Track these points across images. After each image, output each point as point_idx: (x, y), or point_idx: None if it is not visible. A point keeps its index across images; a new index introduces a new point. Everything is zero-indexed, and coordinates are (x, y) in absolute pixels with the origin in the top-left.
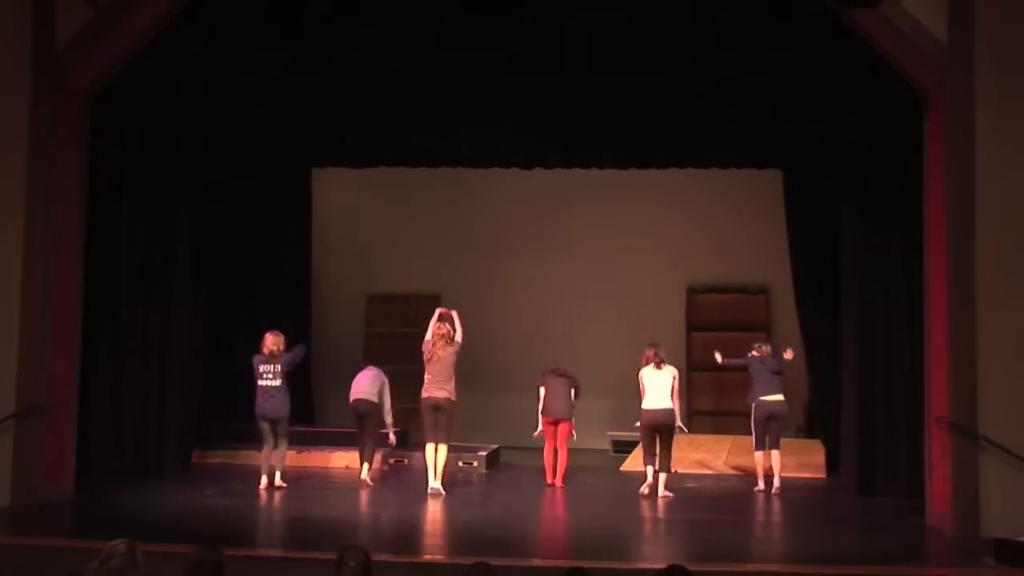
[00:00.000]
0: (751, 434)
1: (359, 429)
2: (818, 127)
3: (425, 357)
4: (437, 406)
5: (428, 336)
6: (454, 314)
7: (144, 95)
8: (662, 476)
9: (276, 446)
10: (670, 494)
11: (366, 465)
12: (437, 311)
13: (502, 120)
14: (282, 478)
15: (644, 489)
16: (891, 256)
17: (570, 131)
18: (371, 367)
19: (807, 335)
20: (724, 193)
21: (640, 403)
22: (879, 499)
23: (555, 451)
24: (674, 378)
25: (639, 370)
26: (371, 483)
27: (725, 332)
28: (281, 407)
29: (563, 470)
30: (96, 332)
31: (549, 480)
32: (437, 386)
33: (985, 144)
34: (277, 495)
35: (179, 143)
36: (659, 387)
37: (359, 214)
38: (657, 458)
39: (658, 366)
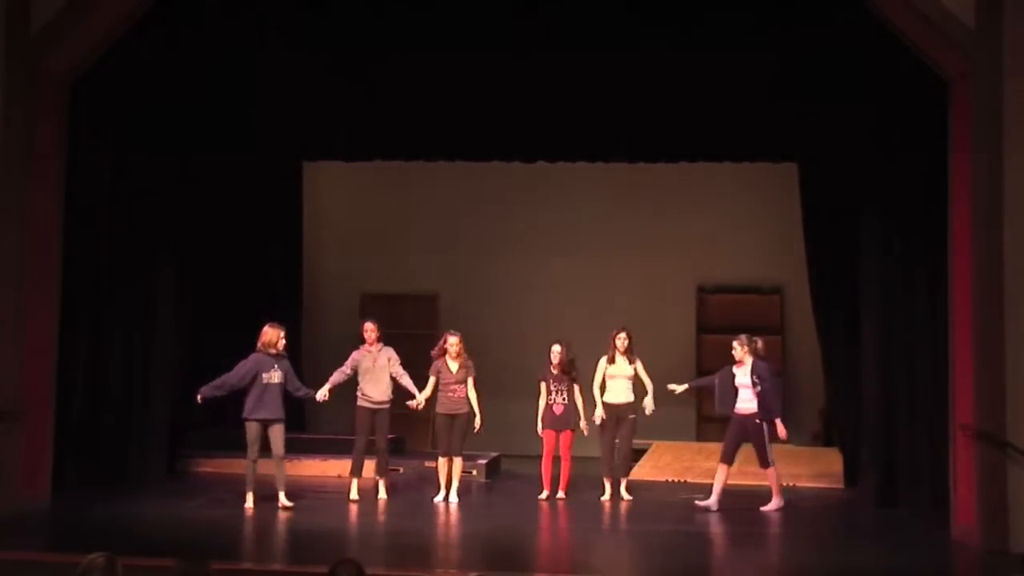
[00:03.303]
0: (767, 447)
1: (363, 433)
2: (836, 118)
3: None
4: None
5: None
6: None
7: (126, 83)
8: (624, 480)
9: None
10: (630, 497)
11: (381, 481)
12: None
13: (503, 111)
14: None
15: (607, 496)
16: (913, 254)
17: (575, 123)
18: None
19: (824, 337)
20: (737, 188)
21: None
22: (901, 511)
23: (554, 460)
24: (636, 370)
25: (601, 359)
26: (387, 495)
27: (737, 334)
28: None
29: (566, 479)
30: (75, 334)
31: (546, 490)
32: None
33: (1013, 134)
34: (265, 506)
35: (162, 135)
36: (622, 380)
37: (353, 210)
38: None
39: (631, 360)
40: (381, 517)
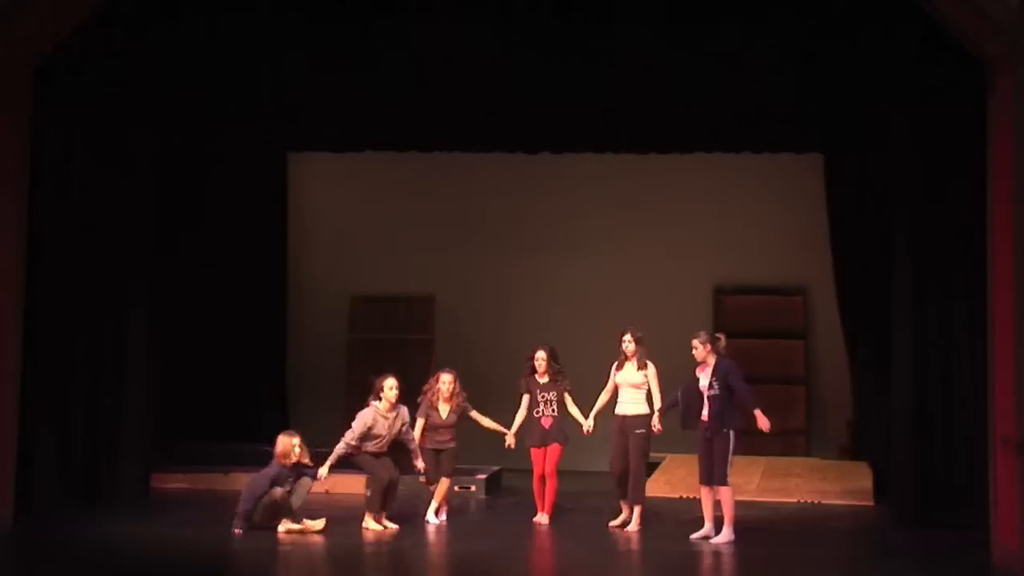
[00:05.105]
0: (728, 461)
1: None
2: (865, 105)
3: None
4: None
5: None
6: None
7: (97, 69)
8: (636, 508)
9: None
10: (637, 528)
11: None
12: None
13: (504, 97)
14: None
15: (617, 522)
16: (950, 252)
17: (581, 110)
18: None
19: (851, 342)
20: (757, 180)
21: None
22: (936, 531)
23: (543, 478)
24: (647, 377)
25: (613, 365)
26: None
27: (757, 340)
28: None
29: (551, 499)
30: (40, 337)
31: (540, 509)
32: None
33: None
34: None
35: (137, 125)
36: (629, 389)
37: (342, 205)
38: (629, 485)
39: (640, 365)
40: (366, 538)
